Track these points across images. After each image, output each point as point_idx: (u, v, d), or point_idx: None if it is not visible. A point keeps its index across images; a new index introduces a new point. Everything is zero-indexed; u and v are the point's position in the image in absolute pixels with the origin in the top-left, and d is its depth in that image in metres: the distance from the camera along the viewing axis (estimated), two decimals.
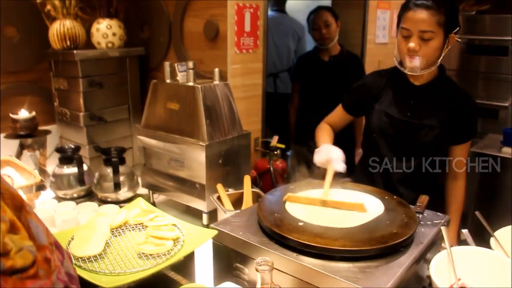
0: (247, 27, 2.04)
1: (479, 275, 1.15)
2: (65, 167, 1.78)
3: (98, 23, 2.10)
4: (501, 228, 1.33)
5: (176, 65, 1.68)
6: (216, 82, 1.71)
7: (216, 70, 1.71)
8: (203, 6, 2.05)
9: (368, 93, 1.78)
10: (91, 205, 1.66)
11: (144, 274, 1.04)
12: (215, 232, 1.20)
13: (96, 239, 1.14)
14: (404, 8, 1.60)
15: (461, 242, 1.42)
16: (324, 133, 1.85)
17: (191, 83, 1.66)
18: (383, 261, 1.08)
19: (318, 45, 2.97)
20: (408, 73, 1.63)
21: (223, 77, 1.77)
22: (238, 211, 1.51)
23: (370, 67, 3.20)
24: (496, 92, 3.84)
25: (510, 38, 3.66)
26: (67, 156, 1.77)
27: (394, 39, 3.72)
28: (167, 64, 1.73)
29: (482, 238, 1.39)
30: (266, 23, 2.15)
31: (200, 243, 1.18)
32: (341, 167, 1.52)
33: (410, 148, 1.69)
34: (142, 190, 1.91)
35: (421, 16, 1.54)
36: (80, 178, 1.73)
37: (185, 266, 1.22)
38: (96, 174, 1.78)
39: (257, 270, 0.98)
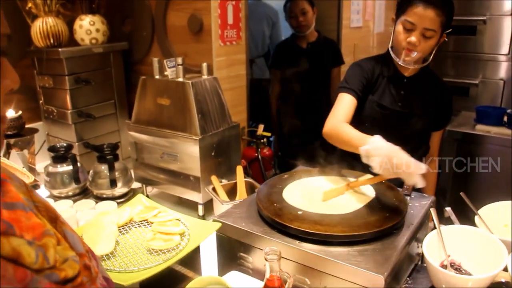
0: (230, 20, 2.07)
1: (467, 251, 1.24)
2: (58, 165, 1.80)
3: (81, 20, 2.09)
4: (483, 207, 1.43)
5: (165, 61, 1.70)
6: (205, 76, 1.74)
7: (204, 64, 1.75)
8: (185, 0, 2.07)
9: (368, 79, 1.77)
10: (88, 203, 1.69)
11: (157, 269, 1.09)
12: (219, 224, 1.25)
13: (105, 238, 1.18)
14: (412, 2, 1.61)
15: (445, 219, 1.51)
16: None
17: (181, 79, 1.69)
18: (379, 243, 1.16)
19: (296, 33, 3.02)
20: (402, 64, 1.68)
21: (210, 70, 1.80)
22: (235, 202, 1.57)
23: (346, 51, 3.27)
24: (465, 70, 3.98)
25: (477, 18, 3.79)
26: (61, 155, 1.78)
27: (368, 22, 3.81)
28: (155, 60, 1.75)
29: (464, 215, 1.49)
30: (247, 14, 2.18)
31: (205, 236, 1.23)
32: (421, 183, 1.33)
33: (401, 136, 1.77)
34: (135, 184, 1.94)
35: (429, 14, 1.57)
36: (75, 176, 1.75)
37: (191, 259, 1.27)
38: (91, 171, 1.80)
39: (266, 260, 1.04)
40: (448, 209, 1.50)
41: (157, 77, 1.76)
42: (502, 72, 3.92)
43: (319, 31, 3.05)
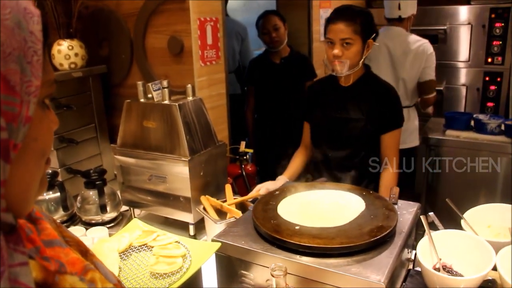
0: (209, 40, 2.11)
1: (456, 254, 1.31)
2: (44, 193, 1.78)
3: (59, 45, 2.08)
4: (467, 211, 1.51)
5: (149, 84, 1.72)
6: (190, 98, 1.77)
7: (189, 86, 1.77)
8: (164, 22, 2.09)
9: (312, 101, 2.05)
10: (79, 230, 1.68)
11: None
12: (219, 244, 1.27)
13: (109, 266, 1.17)
14: (327, 22, 1.87)
15: (428, 224, 1.57)
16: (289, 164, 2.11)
17: (167, 101, 1.71)
18: (375, 252, 1.21)
19: (269, 49, 3.08)
20: (336, 75, 1.88)
21: (193, 91, 1.83)
22: (228, 220, 1.59)
23: (317, 64, 3.35)
24: None
25: (438, 27, 3.97)
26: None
27: None
28: (139, 84, 1.76)
29: (441, 215, 1.57)
30: (225, 34, 2.23)
31: (207, 257, 1.25)
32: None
33: (342, 140, 1.95)
34: (122, 208, 1.94)
35: (339, 27, 1.81)
36: (63, 204, 1.73)
37: (193, 280, 1.28)
38: (79, 198, 1.79)
39: (272, 276, 1.07)
40: (431, 214, 1.57)
41: (142, 100, 1.77)
42: (463, 78, 4.11)
43: (291, 46, 3.12)
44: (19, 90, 0.45)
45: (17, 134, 0.46)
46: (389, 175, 1.93)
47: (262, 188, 1.78)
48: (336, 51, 1.81)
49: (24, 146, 0.48)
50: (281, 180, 1.92)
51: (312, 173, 2.08)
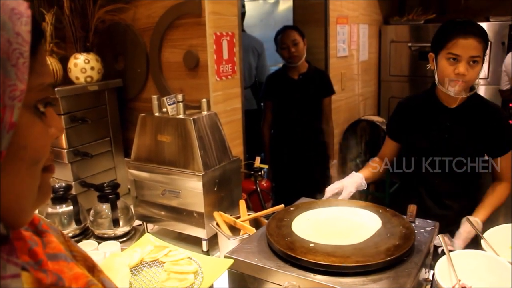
0: (225, 55, 2.11)
1: (476, 275, 1.26)
2: (57, 207, 1.77)
3: (76, 58, 2.10)
4: (487, 230, 1.47)
5: (164, 98, 1.72)
6: (205, 112, 1.76)
7: (204, 100, 1.76)
8: (180, 37, 2.10)
9: (404, 120, 1.93)
10: (91, 244, 1.67)
11: None
12: (231, 261, 1.24)
13: (119, 281, 1.16)
14: (452, 35, 1.69)
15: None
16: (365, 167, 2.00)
17: (181, 116, 1.71)
18: (392, 272, 1.17)
19: (287, 64, 3.07)
20: (454, 95, 1.73)
21: (208, 105, 1.82)
22: (242, 237, 1.57)
23: (334, 80, 3.34)
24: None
25: None
26: (60, 196, 1.76)
27: (353, 51, 3.90)
28: (154, 98, 1.76)
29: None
30: (241, 49, 2.23)
31: (219, 274, 1.23)
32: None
33: (451, 166, 1.82)
34: (135, 222, 1.92)
35: (471, 43, 1.65)
36: (76, 218, 1.73)
37: None
38: (91, 211, 1.79)
39: None
40: (447, 235, 1.54)
41: (156, 114, 1.77)
42: (482, 94, 4.04)
43: (309, 62, 3.11)
44: (1, 94, 0.43)
45: (0, 141, 0.44)
46: (503, 187, 1.83)
47: (337, 184, 1.76)
48: (462, 69, 1.65)
49: (11, 154, 0.46)
50: (355, 176, 1.82)
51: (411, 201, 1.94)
